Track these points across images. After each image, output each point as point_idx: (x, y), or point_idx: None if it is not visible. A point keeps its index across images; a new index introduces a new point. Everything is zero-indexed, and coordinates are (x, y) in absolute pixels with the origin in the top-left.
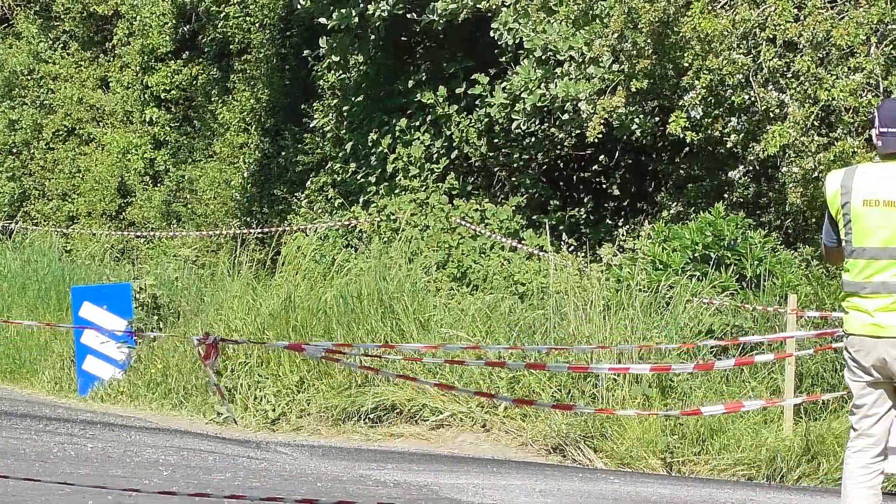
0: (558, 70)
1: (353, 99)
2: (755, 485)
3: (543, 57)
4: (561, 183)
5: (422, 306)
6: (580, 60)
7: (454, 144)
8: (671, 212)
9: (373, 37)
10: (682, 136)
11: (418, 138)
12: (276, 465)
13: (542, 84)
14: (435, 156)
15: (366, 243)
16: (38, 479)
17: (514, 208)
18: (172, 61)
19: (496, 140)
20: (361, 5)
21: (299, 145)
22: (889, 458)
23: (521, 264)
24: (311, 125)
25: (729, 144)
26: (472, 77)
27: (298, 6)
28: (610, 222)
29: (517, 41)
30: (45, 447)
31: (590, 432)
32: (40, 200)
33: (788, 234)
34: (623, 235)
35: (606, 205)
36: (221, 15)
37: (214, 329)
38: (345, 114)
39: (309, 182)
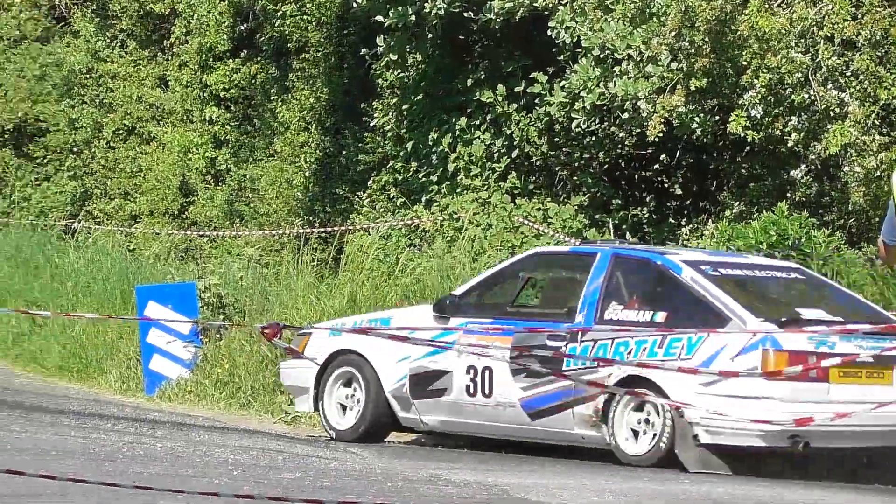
0: (617, 69)
1: (412, 98)
2: (828, 484)
3: (601, 55)
4: (623, 182)
5: None
6: (638, 59)
7: (515, 143)
8: (734, 211)
9: (430, 35)
10: (742, 135)
11: (479, 137)
12: (345, 465)
13: (601, 83)
14: (496, 155)
15: (429, 242)
16: (114, 484)
17: (576, 207)
18: (231, 60)
19: (556, 139)
20: (418, 3)
21: (360, 144)
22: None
23: None
24: (371, 124)
25: (790, 143)
26: (531, 76)
27: (355, 4)
28: (672, 221)
29: (575, 39)
30: (115, 447)
31: None
32: (102, 199)
33: (852, 234)
34: (686, 235)
35: (669, 204)
36: (278, 13)
37: None
38: (404, 112)
39: (370, 181)
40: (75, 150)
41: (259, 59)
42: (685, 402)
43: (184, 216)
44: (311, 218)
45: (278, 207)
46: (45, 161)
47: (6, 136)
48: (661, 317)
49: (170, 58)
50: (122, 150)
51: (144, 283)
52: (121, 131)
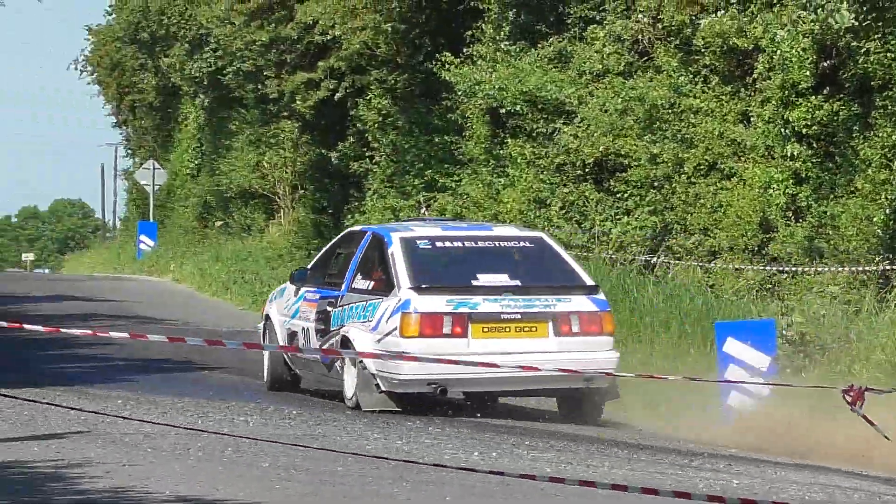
0: None
1: None
2: None
3: None
4: None
5: None
6: None
7: None
8: None
9: None
10: None
11: None
12: None
13: None
14: None
15: None
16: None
17: None
18: (813, 96)
19: None
20: None
21: None
22: None
23: None
24: None
25: None
26: None
27: None
28: None
29: None
30: (690, 482)
31: None
32: (682, 235)
33: None
34: None
35: None
36: (862, 50)
37: (856, 370)
38: None
39: None
40: (656, 185)
41: (842, 95)
42: (365, 356)
43: (763, 252)
44: (891, 255)
45: (858, 244)
46: (626, 196)
47: (587, 170)
48: (371, 285)
49: (752, 94)
50: (703, 185)
51: (723, 320)
52: (701, 167)
